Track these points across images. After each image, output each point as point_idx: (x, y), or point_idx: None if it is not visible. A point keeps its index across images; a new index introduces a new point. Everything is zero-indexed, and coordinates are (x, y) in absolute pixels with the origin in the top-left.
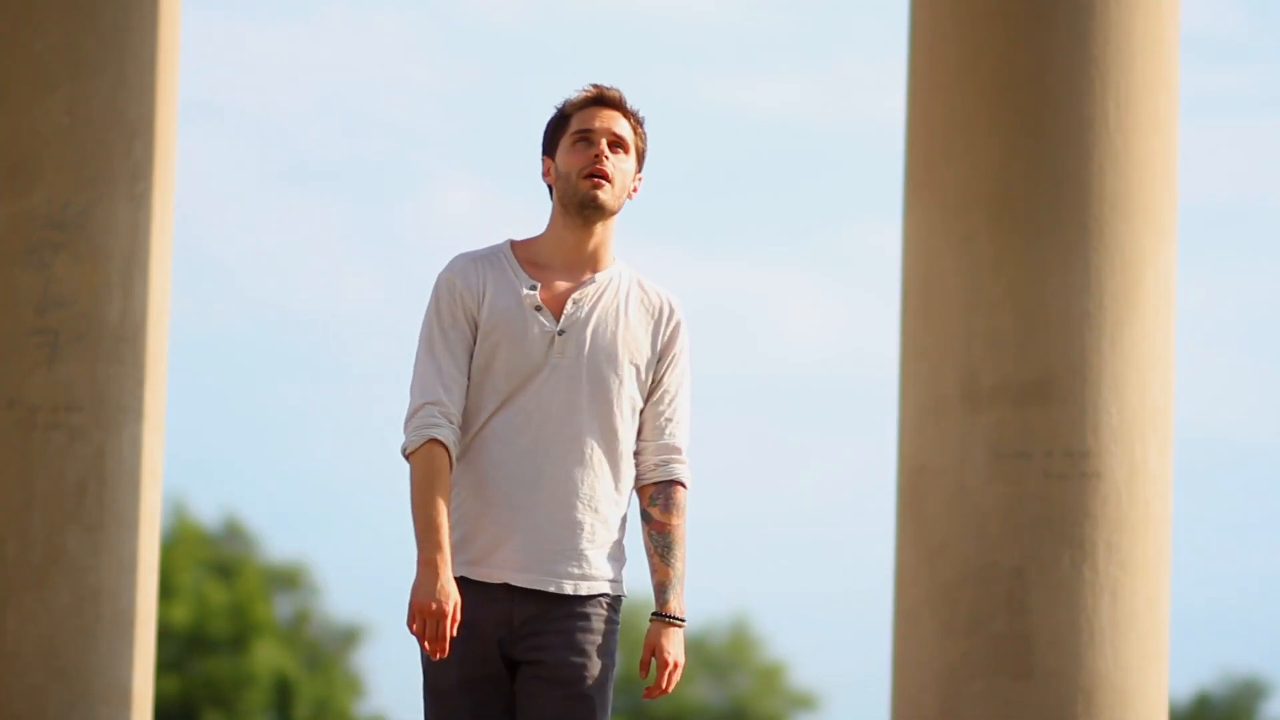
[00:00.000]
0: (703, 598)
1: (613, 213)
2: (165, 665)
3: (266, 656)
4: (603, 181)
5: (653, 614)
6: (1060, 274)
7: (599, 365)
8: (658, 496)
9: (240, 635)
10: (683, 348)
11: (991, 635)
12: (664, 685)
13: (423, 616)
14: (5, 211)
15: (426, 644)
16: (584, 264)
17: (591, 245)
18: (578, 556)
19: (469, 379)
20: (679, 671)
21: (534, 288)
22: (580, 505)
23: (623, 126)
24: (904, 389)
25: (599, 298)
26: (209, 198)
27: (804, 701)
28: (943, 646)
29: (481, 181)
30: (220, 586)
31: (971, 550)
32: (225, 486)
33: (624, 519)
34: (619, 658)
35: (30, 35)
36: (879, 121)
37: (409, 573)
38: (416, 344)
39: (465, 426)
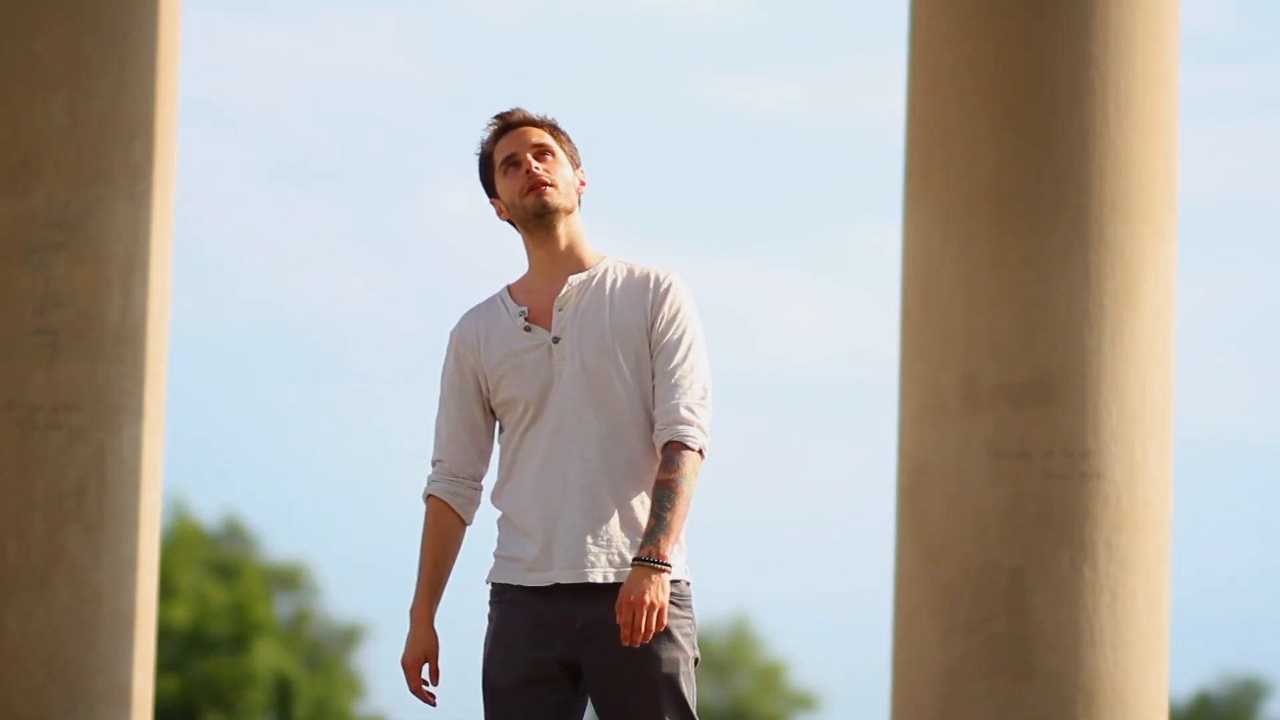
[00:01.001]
0: (703, 598)
1: (567, 211)
2: (165, 665)
3: (266, 656)
4: (543, 186)
5: (633, 558)
6: (1060, 274)
7: (593, 356)
8: (661, 457)
9: (240, 635)
10: (676, 309)
11: (991, 635)
12: (625, 621)
13: (405, 671)
14: (5, 211)
15: (419, 695)
16: (565, 270)
17: (563, 249)
18: (614, 547)
19: (492, 417)
20: (646, 611)
21: (524, 312)
22: (607, 495)
23: (540, 137)
24: (904, 389)
25: (583, 295)
26: (209, 198)
27: (804, 701)
28: (943, 646)
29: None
30: (220, 586)
31: (971, 550)
32: (225, 486)
33: None
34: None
35: (30, 36)
36: (878, 122)
37: (408, 572)
38: None
39: (502, 458)
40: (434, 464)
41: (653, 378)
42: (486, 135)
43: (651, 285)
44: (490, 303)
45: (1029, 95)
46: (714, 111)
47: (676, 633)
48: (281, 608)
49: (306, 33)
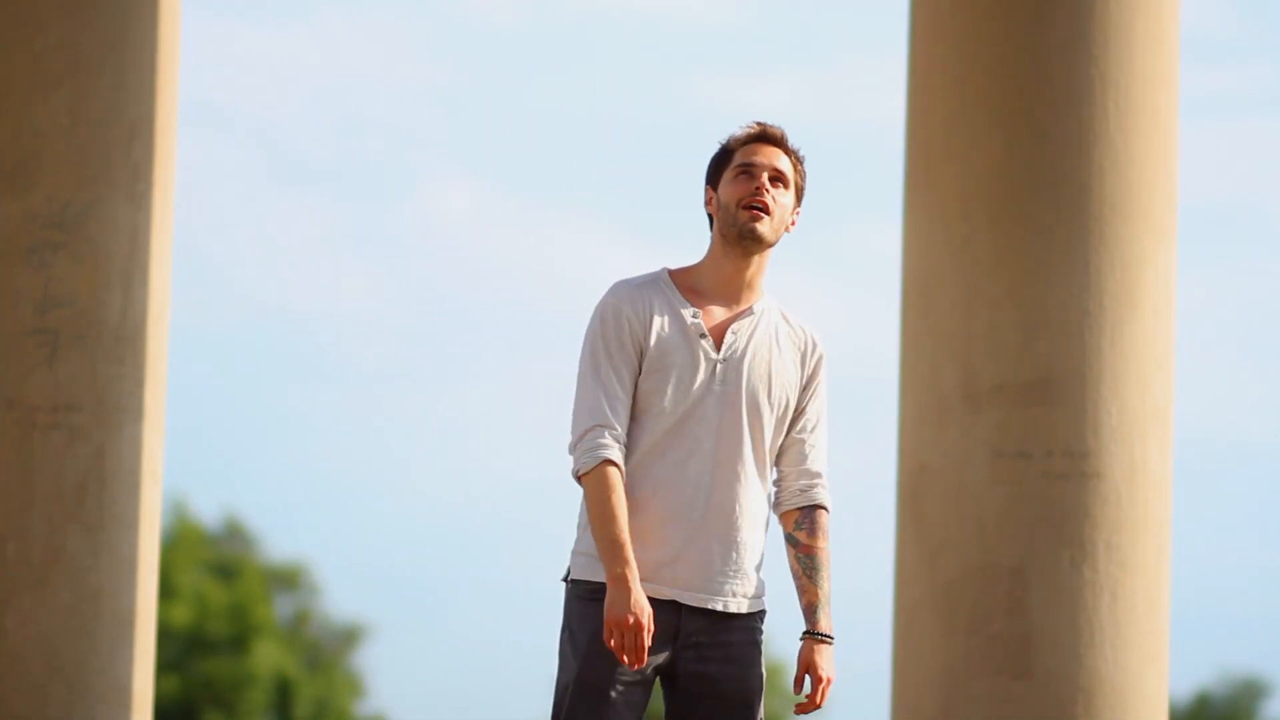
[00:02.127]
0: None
1: (770, 244)
2: (165, 665)
3: (266, 656)
4: (761, 214)
5: (805, 632)
6: (1060, 274)
7: (755, 394)
8: (803, 521)
9: (240, 635)
10: (824, 380)
11: (991, 635)
12: (818, 700)
13: (619, 630)
14: (5, 211)
15: (625, 657)
16: (740, 293)
17: (748, 275)
18: (743, 576)
19: (634, 402)
20: (830, 686)
21: (697, 315)
22: (743, 526)
23: (783, 162)
24: (904, 389)
25: (755, 329)
26: (208, 198)
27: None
28: (943, 646)
29: (479, 182)
30: (220, 587)
31: (971, 550)
32: (225, 486)
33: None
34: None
35: (30, 35)
36: (876, 122)
37: (408, 572)
38: (579, 367)
39: (632, 447)
40: (596, 429)
41: (788, 437)
42: (739, 133)
43: (810, 350)
44: (653, 284)
45: (1029, 95)
46: (712, 111)
47: (761, 653)
48: (281, 608)
49: (305, 33)
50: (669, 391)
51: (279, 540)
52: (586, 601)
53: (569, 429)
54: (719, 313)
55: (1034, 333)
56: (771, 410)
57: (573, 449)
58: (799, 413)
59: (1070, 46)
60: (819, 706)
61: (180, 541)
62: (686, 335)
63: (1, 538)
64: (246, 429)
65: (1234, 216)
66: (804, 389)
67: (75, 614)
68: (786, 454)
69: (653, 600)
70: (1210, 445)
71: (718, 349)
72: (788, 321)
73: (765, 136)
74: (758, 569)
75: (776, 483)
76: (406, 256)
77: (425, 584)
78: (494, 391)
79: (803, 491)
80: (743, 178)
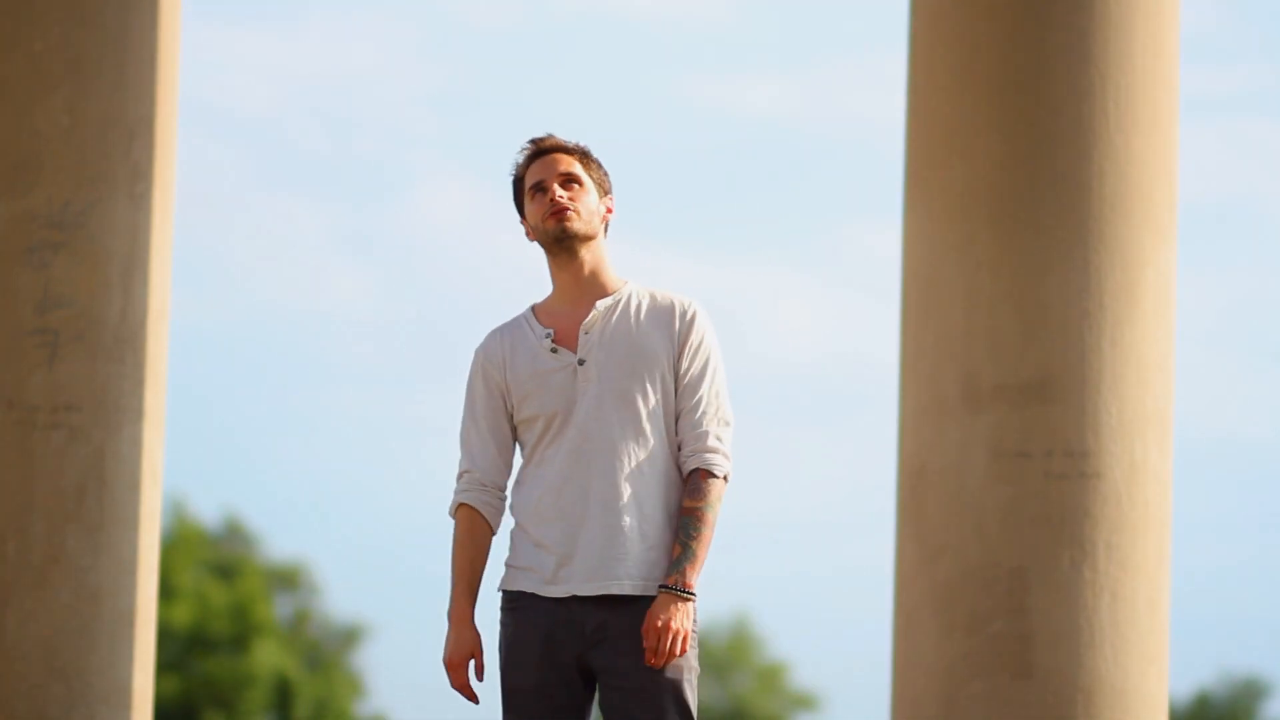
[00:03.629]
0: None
1: (588, 237)
2: (166, 665)
3: (267, 656)
4: (564, 212)
5: (658, 585)
6: (1060, 274)
7: (619, 379)
8: (687, 483)
9: (240, 635)
10: (700, 338)
11: (991, 635)
12: (650, 657)
13: (448, 670)
14: (5, 211)
15: (464, 693)
16: (588, 295)
17: (586, 274)
18: (633, 560)
19: (513, 432)
20: (671, 637)
21: (549, 334)
22: (627, 512)
23: (568, 165)
24: (904, 389)
25: (609, 319)
26: (206, 198)
27: (804, 701)
28: (943, 646)
29: (475, 181)
30: (220, 586)
31: (971, 550)
32: (225, 486)
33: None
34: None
35: (30, 36)
36: (872, 123)
37: (408, 572)
38: None
39: (523, 473)
40: (462, 475)
41: (676, 405)
42: (520, 159)
43: (678, 314)
44: (515, 322)
45: (1029, 95)
46: (707, 113)
47: (691, 641)
48: (281, 608)
49: (301, 34)
50: (537, 408)
51: (279, 540)
52: (503, 611)
53: None
54: (571, 320)
55: (1034, 333)
56: (647, 384)
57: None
58: (679, 379)
59: (1070, 46)
60: (659, 658)
61: (180, 541)
62: (541, 355)
63: (1, 538)
64: (246, 429)
65: (1234, 217)
66: (680, 353)
67: (75, 614)
68: (678, 422)
69: (556, 601)
70: (1210, 445)
71: (574, 352)
72: (653, 298)
73: (540, 150)
74: (660, 554)
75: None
76: (405, 256)
77: (425, 584)
78: None
79: (689, 457)
80: (538, 196)
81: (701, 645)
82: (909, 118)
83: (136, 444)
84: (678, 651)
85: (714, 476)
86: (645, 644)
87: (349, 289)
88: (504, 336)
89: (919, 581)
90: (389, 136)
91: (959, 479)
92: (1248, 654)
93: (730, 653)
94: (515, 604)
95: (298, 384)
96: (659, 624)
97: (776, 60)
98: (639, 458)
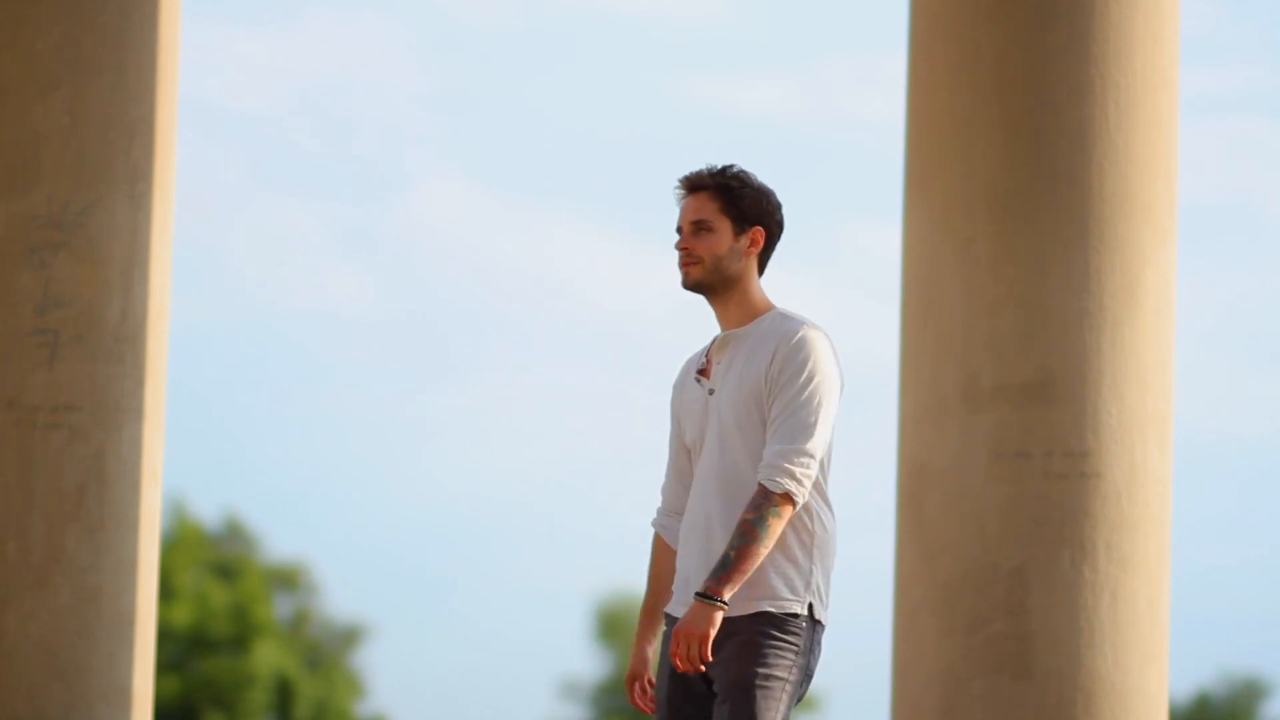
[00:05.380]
0: None
1: (711, 285)
2: (166, 665)
3: (267, 657)
4: (687, 266)
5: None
6: (1060, 274)
7: (731, 409)
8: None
9: (241, 635)
10: (797, 360)
11: (991, 635)
12: (673, 651)
13: (626, 686)
14: (5, 211)
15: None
16: (730, 328)
17: (729, 312)
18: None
19: (685, 465)
20: (687, 640)
21: (703, 361)
22: (719, 539)
23: (700, 206)
24: (904, 389)
25: (736, 350)
26: (205, 198)
27: (804, 701)
28: (943, 646)
29: (472, 181)
30: (221, 587)
31: (971, 550)
32: (225, 486)
33: (787, 541)
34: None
35: (30, 35)
36: (873, 123)
37: (408, 572)
38: None
39: None
40: (661, 497)
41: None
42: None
43: (781, 341)
44: (700, 352)
45: (1029, 95)
46: (705, 113)
47: (768, 652)
48: (282, 608)
49: (298, 34)
50: (689, 437)
51: (279, 540)
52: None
53: None
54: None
55: (1034, 333)
56: (741, 416)
57: None
58: (773, 397)
59: (1070, 46)
60: (688, 664)
61: (180, 541)
62: (692, 385)
63: (1, 538)
64: (246, 429)
65: (1233, 217)
66: (773, 379)
67: (75, 614)
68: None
69: (675, 619)
70: (1210, 445)
71: (709, 381)
72: (780, 323)
73: (682, 189)
74: (765, 573)
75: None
76: (403, 256)
77: (425, 584)
78: (493, 391)
79: (758, 471)
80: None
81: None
82: (909, 118)
83: (136, 444)
84: (695, 657)
85: (772, 493)
86: (672, 649)
87: (348, 289)
88: (686, 364)
89: (919, 581)
90: (387, 136)
91: (959, 479)
92: (1248, 654)
93: None
94: (667, 630)
95: (298, 384)
96: (679, 629)
97: (776, 59)
98: (740, 486)
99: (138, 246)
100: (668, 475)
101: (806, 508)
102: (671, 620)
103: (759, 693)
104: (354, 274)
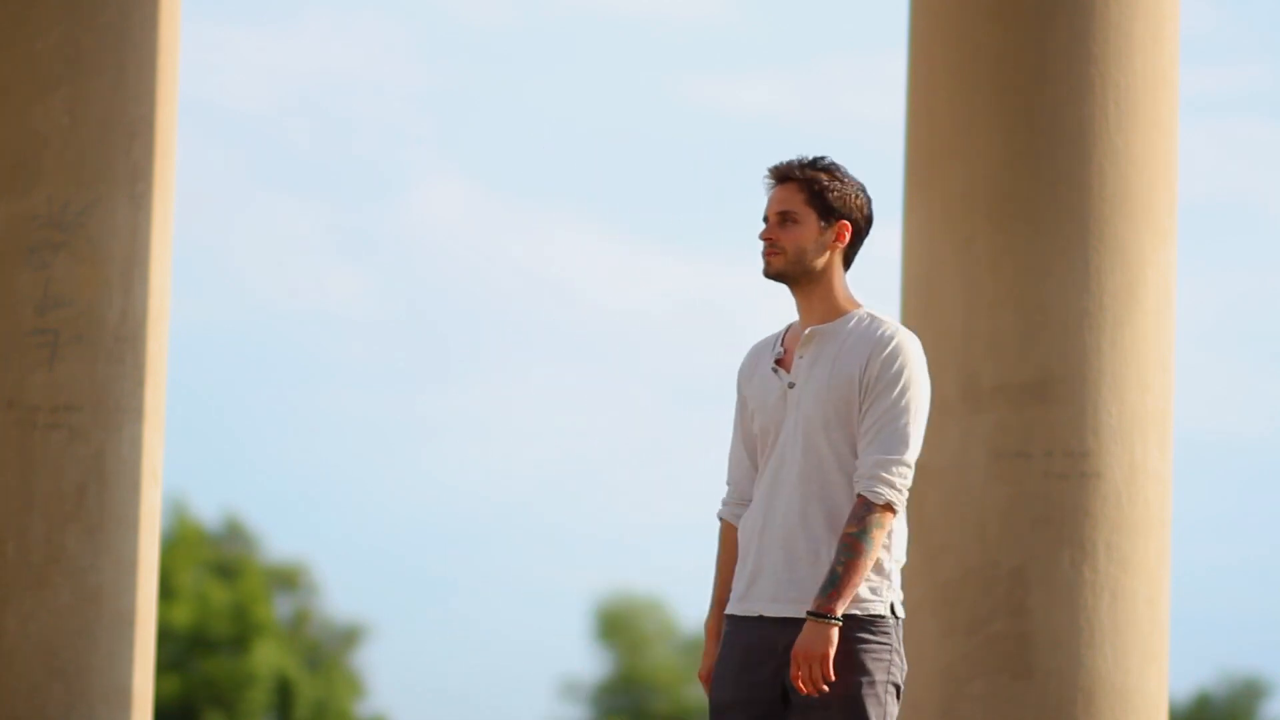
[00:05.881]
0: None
1: (793, 275)
2: (166, 665)
3: (267, 657)
4: (769, 255)
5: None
6: (1060, 274)
7: (815, 407)
8: (852, 510)
9: (241, 635)
10: (893, 365)
11: (991, 635)
12: (796, 682)
13: (700, 682)
14: (5, 211)
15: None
16: (814, 319)
17: (812, 305)
18: (809, 585)
19: (754, 450)
20: (808, 661)
21: (780, 352)
22: (808, 536)
23: (787, 197)
24: None
25: (821, 346)
26: (204, 198)
27: None
28: (942, 646)
29: (471, 181)
30: (221, 587)
31: (971, 550)
32: (225, 486)
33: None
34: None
35: (30, 35)
36: (873, 123)
37: (408, 572)
38: None
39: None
40: (726, 485)
41: (857, 431)
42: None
43: (874, 342)
44: (771, 338)
45: (1029, 95)
46: (704, 112)
47: (865, 657)
48: (281, 608)
49: (296, 34)
50: (760, 426)
51: (279, 540)
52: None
53: None
54: (797, 343)
55: (1034, 333)
56: (835, 415)
57: None
58: (868, 403)
59: (1070, 46)
60: (811, 687)
61: (180, 541)
62: (769, 372)
63: (1, 538)
64: (246, 429)
65: (1234, 217)
66: (865, 378)
67: (75, 614)
68: (859, 444)
69: (746, 619)
70: (1210, 445)
71: (790, 374)
72: (870, 326)
73: (771, 178)
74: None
75: None
76: (403, 256)
77: (425, 584)
78: (493, 391)
79: (856, 482)
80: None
81: (700, 646)
82: (909, 118)
83: (136, 444)
84: (818, 678)
85: (873, 504)
86: (792, 673)
87: (348, 289)
88: (756, 350)
89: (919, 581)
90: (387, 136)
91: (959, 479)
92: (1248, 654)
93: None
94: (728, 628)
95: (297, 384)
96: (800, 652)
97: (776, 59)
98: (824, 484)
99: (138, 246)
100: (737, 463)
101: None
102: (735, 621)
103: (868, 701)
104: (354, 274)
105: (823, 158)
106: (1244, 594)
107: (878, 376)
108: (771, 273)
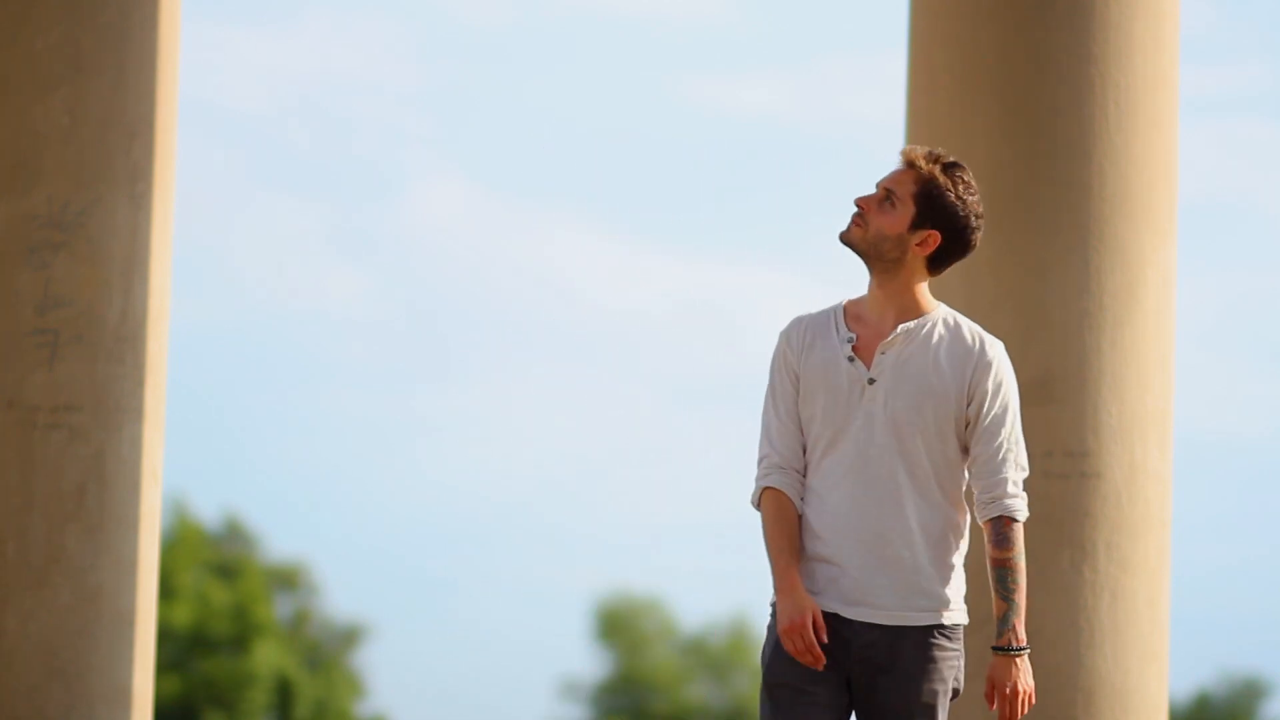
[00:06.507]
0: (702, 598)
1: (867, 253)
2: (166, 665)
3: (267, 657)
4: (856, 222)
5: (991, 646)
6: (1060, 274)
7: (906, 410)
8: (992, 534)
9: (241, 635)
10: (999, 383)
11: (991, 635)
12: (1006, 715)
13: (788, 636)
14: (5, 212)
15: (806, 659)
16: (893, 313)
17: (887, 293)
18: (905, 590)
19: (801, 427)
20: (1022, 699)
21: (851, 339)
22: (900, 541)
23: (900, 179)
24: None
25: (908, 344)
26: (203, 198)
27: None
28: None
29: (471, 181)
30: (221, 587)
31: (972, 550)
32: (225, 487)
33: (953, 550)
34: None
35: (30, 35)
36: (872, 123)
37: (408, 572)
38: None
39: (806, 470)
40: (762, 459)
41: (973, 449)
42: None
43: (975, 354)
44: (824, 315)
45: (1029, 95)
46: (704, 112)
47: (943, 665)
48: (282, 608)
49: (295, 34)
50: (819, 415)
51: (279, 540)
52: (771, 617)
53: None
54: (874, 334)
55: (1033, 333)
56: (926, 423)
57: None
58: (974, 422)
59: (1070, 47)
60: (1012, 719)
61: (180, 541)
62: (837, 359)
63: (1, 538)
64: (246, 429)
65: (1233, 217)
66: (970, 399)
67: (75, 614)
68: (972, 466)
69: (824, 614)
70: (1210, 445)
71: (869, 369)
72: (958, 332)
73: (900, 156)
74: (933, 583)
75: (971, 493)
76: (403, 256)
77: (425, 584)
78: (492, 390)
79: (987, 504)
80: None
81: (701, 645)
82: (909, 118)
83: (136, 444)
84: (1024, 711)
85: (1017, 523)
86: (1001, 712)
87: (348, 289)
88: (809, 326)
89: None
90: (387, 136)
91: None
92: (1248, 654)
93: (730, 653)
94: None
95: (297, 384)
96: (1007, 690)
97: (775, 59)
98: (915, 489)
99: (138, 246)
100: (783, 432)
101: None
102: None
103: (940, 708)
104: (354, 274)
105: (959, 163)
106: (1244, 594)
107: (991, 393)
108: (846, 239)
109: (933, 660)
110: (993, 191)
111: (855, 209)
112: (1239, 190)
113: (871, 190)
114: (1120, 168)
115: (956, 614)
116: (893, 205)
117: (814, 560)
